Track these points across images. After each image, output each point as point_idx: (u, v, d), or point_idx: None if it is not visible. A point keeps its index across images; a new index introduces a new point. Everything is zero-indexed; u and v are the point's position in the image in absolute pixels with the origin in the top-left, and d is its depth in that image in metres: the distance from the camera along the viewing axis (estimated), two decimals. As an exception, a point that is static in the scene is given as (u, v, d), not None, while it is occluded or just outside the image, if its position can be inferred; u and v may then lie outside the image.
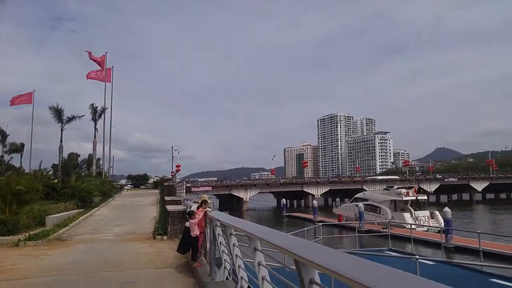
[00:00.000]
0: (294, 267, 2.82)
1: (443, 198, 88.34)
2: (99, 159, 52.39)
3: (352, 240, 25.41)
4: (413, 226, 30.17)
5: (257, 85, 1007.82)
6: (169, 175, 56.56)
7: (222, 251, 6.60)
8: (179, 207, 15.72)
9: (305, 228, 14.64)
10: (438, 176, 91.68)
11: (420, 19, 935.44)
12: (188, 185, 55.64)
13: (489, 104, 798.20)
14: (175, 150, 73.24)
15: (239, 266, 5.28)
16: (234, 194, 71.01)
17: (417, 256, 7.33)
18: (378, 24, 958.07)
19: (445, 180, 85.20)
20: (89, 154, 51.99)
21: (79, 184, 26.34)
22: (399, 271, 1.39)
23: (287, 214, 53.49)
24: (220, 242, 6.62)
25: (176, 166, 68.78)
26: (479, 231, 13.51)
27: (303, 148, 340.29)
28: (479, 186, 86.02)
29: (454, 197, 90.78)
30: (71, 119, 44.14)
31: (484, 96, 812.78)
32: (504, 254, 17.98)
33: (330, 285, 6.40)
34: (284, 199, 59.63)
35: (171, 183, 27.03)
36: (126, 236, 14.78)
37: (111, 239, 14.18)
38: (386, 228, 29.56)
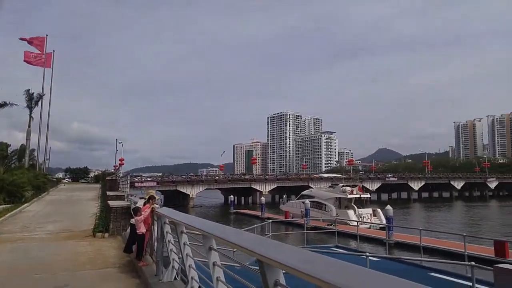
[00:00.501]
0: (252, 267, 2.63)
1: (384, 196, 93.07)
2: (33, 150, 48.81)
3: (299, 237, 25.67)
4: (356, 223, 31.38)
5: (208, 80, 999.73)
6: (112, 169, 54.05)
7: (171, 250, 6.11)
8: (123, 203, 14.85)
9: (255, 225, 14.40)
10: (379, 175, 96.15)
11: (369, 22, 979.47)
12: (132, 180, 53.61)
13: (428, 109, 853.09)
14: (119, 143, 70.05)
15: (189, 266, 4.88)
16: (180, 190, 69.40)
17: (367, 254, 7.32)
18: (328, 26, 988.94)
19: (386, 179, 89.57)
20: (22, 145, 48.13)
21: (8, 177, 24.15)
22: (380, 273, 1.29)
23: (234, 211, 53.28)
24: (168, 241, 6.13)
25: (120, 160, 65.86)
26: (420, 228, 14.09)
27: (252, 145, 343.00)
28: (416, 185, 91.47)
29: (394, 195, 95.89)
30: (2, 105, 40.55)
31: (422, 100, 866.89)
32: (442, 250, 18.96)
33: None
34: (232, 196, 59.39)
35: (114, 178, 25.86)
36: (61, 233, 13.56)
37: (43, 237, 12.91)
38: (331, 224, 30.33)
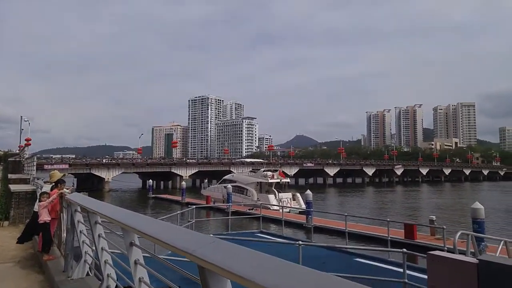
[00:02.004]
0: (183, 271, 2.25)
1: (301, 181, 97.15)
2: None
3: (221, 223, 25.42)
4: (277, 208, 32.03)
5: (133, 61, 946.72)
6: (17, 149, 48.57)
7: (83, 242, 5.31)
8: (27, 187, 13.20)
9: (178, 212, 13.74)
10: (297, 161, 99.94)
11: (292, 15, 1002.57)
12: (40, 162, 48.82)
13: (342, 99, 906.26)
14: (25, 121, 63.08)
15: (105, 262, 4.20)
16: (95, 173, 65.19)
17: (300, 242, 7.24)
18: (254, 15, 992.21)
19: (304, 165, 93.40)
20: None
21: None
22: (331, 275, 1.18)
23: (153, 195, 51.34)
24: (80, 231, 5.30)
25: (26, 140, 59.47)
26: (346, 214, 14.59)
27: (172, 128, 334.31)
28: (331, 171, 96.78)
29: (311, 180, 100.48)
30: None
31: (338, 90, 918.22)
32: (365, 235, 19.99)
33: None
34: (150, 180, 57.14)
35: (17, 159, 23.22)
36: None
37: None
38: (252, 209, 30.60)
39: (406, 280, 6.62)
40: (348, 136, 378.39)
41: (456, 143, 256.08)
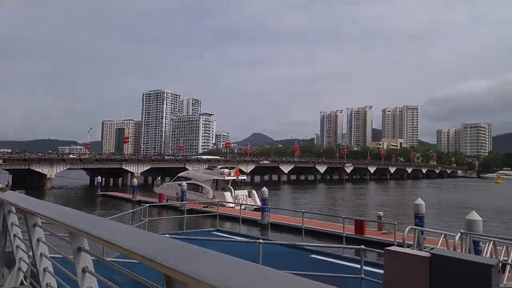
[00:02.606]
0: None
1: (257, 178, 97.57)
2: None
3: (176, 222, 24.64)
4: (233, 205, 31.71)
5: (79, 50, 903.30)
6: None
7: (17, 247, 4.61)
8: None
9: (129, 211, 12.94)
10: (254, 158, 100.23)
11: (253, 11, 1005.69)
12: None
13: (298, 98, 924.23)
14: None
15: (44, 269, 3.59)
16: (35, 169, 60.73)
17: (261, 240, 6.95)
18: (215, 11, 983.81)
19: (260, 162, 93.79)
20: None
21: None
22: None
23: (101, 193, 49.02)
24: (14, 235, 4.60)
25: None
26: (303, 211, 14.52)
27: (124, 123, 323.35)
28: (286, 168, 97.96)
29: (266, 177, 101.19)
30: None
31: (294, 90, 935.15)
32: (320, 231, 20.20)
33: None
34: (99, 177, 54.58)
35: None
36: None
37: None
38: (207, 207, 30.01)
39: (363, 276, 6.56)
40: (303, 135, 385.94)
41: (401, 143, 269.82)
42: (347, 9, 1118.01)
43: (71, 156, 74.74)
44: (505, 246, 9.92)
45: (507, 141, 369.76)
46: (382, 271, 8.79)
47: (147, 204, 13.99)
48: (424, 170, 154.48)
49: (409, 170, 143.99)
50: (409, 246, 10.58)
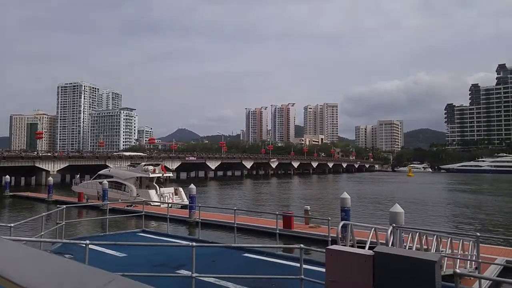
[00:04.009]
0: None
1: (183, 175, 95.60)
2: None
3: (97, 223, 23.00)
4: (158, 203, 30.54)
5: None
6: None
7: None
8: None
9: (43, 214, 11.64)
10: (179, 155, 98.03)
11: (176, 5, 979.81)
12: None
13: (224, 94, 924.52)
14: None
15: None
16: None
17: (194, 243, 6.57)
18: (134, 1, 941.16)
19: (186, 158, 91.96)
20: None
21: None
22: None
23: (11, 193, 44.33)
24: None
25: None
26: (235, 208, 14.26)
27: (37, 117, 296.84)
28: (213, 164, 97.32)
29: (192, 174, 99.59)
30: None
31: (220, 86, 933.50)
32: (251, 228, 20.22)
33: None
34: (8, 176, 49.30)
35: None
36: None
37: None
38: (131, 205, 28.55)
39: (303, 277, 6.47)
40: (229, 131, 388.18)
41: (322, 139, 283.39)
42: (269, 9, 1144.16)
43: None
44: (425, 236, 10.52)
45: (416, 137, 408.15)
46: (320, 269, 8.88)
47: (65, 206, 12.68)
48: (344, 165, 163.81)
49: (331, 164, 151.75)
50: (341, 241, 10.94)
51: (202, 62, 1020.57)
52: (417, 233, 10.17)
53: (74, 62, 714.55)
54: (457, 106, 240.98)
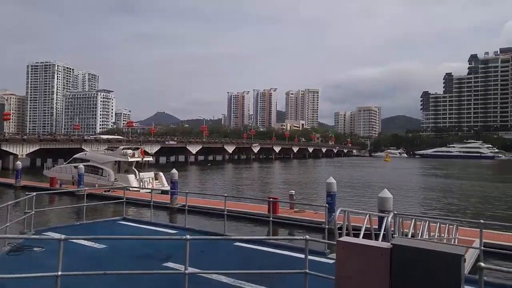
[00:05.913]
0: None
1: (162, 159, 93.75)
2: None
3: (72, 210, 21.54)
4: (137, 189, 29.28)
5: None
6: None
7: None
8: None
9: (10, 202, 10.31)
10: (159, 138, 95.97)
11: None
12: None
13: (205, 77, 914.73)
14: None
15: None
16: None
17: (188, 236, 5.58)
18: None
19: (166, 142, 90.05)
20: None
21: None
22: None
23: (-27, 180, 41.65)
24: None
25: None
26: (226, 195, 13.24)
27: (4, 97, 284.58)
28: (194, 149, 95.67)
29: (172, 158, 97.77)
30: None
31: (200, 69, 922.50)
32: (239, 215, 19.67)
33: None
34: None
35: None
36: None
37: None
38: (109, 191, 27.13)
39: (308, 270, 5.60)
40: (210, 115, 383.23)
41: (302, 124, 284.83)
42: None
43: None
44: (413, 219, 10.17)
45: (393, 123, 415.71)
46: (320, 260, 8.04)
47: (35, 192, 11.31)
48: (323, 150, 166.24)
49: (311, 149, 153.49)
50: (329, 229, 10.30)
51: (182, 44, 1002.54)
52: (413, 219, 10.01)
53: (43, 41, 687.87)
54: (432, 94, 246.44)
